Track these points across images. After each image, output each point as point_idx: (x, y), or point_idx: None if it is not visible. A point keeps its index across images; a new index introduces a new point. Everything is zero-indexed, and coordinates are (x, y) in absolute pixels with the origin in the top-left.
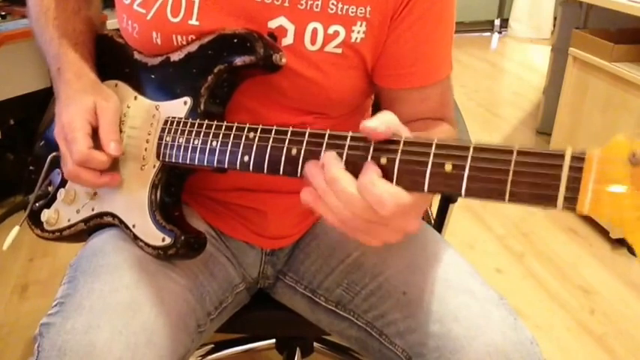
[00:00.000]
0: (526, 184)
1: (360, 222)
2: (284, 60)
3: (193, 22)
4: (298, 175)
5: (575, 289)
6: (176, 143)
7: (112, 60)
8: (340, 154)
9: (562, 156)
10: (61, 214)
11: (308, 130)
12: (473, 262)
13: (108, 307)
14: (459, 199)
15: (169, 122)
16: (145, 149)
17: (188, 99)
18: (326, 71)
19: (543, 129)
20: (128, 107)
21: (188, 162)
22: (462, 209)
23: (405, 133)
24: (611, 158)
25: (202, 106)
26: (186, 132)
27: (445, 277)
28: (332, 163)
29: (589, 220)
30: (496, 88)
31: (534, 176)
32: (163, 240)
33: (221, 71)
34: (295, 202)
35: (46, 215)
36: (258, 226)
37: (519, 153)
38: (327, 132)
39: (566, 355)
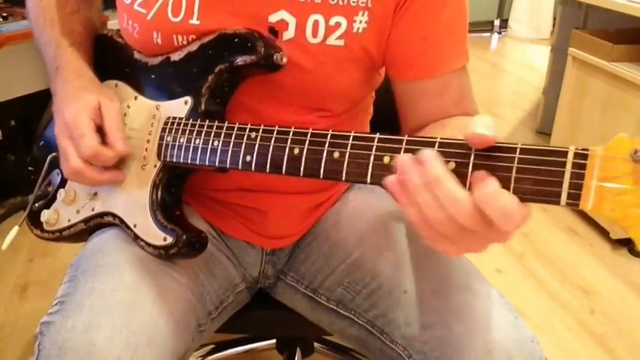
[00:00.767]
0: (530, 181)
1: (451, 227)
2: (285, 59)
3: (194, 21)
4: (300, 174)
5: (575, 289)
6: (177, 143)
7: (112, 60)
8: (343, 154)
9: (565, 153)
10: (61, 214)
11: (310, 130)
12: (473, 261)
13: (108, 306)
14: None
15: (170, 122)
16: (146, 149)
17: (189, 98)
18: (328, 64)
19: (543, 129)
20: (128, 107)
21: (189, 162)
22: None
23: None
24: (613, 155)
25: (203, 106)
26: (187, 132)
27: (446, 276)
28: (436, 161)
29: (589, 221)
30: (496, 88)
31: (538, 173)
32: (165, 239)
33: (222, 71)
34: (296, 202)
35: (45, 216)
36: (259, 226)
37: (523, 150)
38: (330, 132)
39: (566, 355)
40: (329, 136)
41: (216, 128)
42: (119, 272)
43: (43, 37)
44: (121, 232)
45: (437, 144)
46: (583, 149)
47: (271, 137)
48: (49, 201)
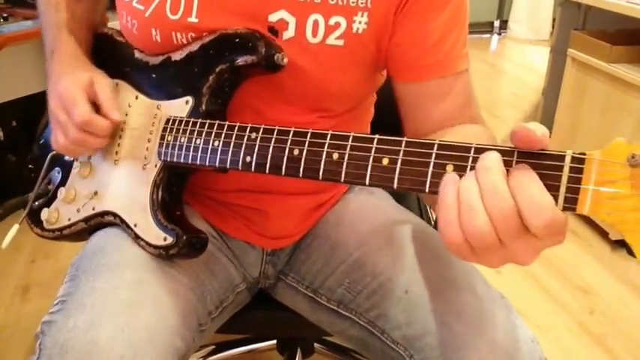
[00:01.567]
0: None
1: (484, 227)
2: (285, 60)
3: (192, 19)
4: (300, 175)
5: (574, 290)
6: (178, 143)
7: (112, 59)
8: (342, 155)
9: (562, 157)
10: (62, 213)
11: (310, 131)
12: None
13: (110, 306)
14: None
15: (171, 122)
16: (147, 149)
17: (190, 98)
18: (328, 64)
19: None
20: (129, 106)
21: (190, 162)
22: None
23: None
24: (610, 160)
25: (204, 106)
26: (188, 131)
27: (446, 276)
28: (496, 166)
29: (589, 222)
30: (495, 89)
31: None
32: (165, 239)
33: (223, 71)
34: (297, 203)
35: (46, 214)
36: (260, 226)
37: (520, 154)
38: (330, 132)
39: (566, 356)
40: (329, 137)
41: (216, 128)
42: (120, 271)
43: (47, 19)
44: (121, 232)
45: (436, 146)
46: (580, 154)
47: (271, 138)
48: (49, 199)
